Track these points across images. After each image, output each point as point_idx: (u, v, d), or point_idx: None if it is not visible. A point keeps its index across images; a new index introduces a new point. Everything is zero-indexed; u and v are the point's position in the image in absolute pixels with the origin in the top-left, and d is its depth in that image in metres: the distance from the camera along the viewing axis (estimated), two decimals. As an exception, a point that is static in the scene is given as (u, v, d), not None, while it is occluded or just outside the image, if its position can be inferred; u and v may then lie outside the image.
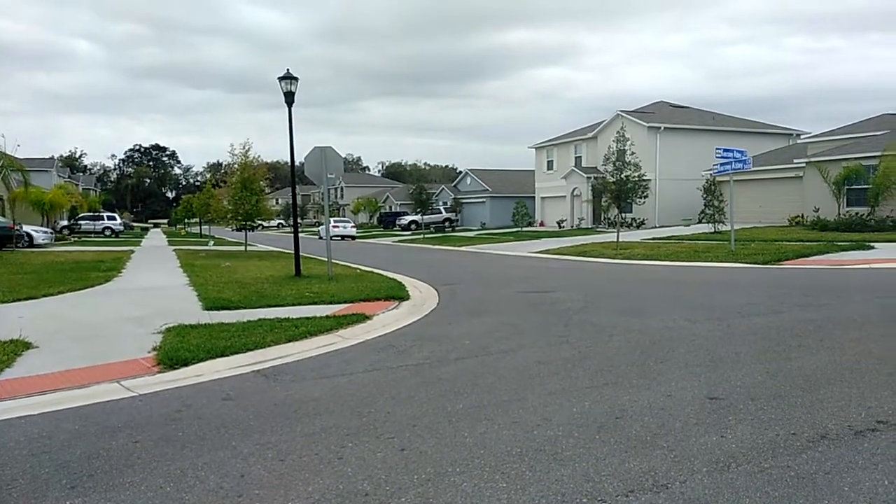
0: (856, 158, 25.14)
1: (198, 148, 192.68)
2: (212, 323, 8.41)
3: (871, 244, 18.32)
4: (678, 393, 5.11)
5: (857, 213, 24.28)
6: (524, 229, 39.26)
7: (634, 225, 35.71)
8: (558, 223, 43.34)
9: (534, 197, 48.16)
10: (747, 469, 3.62)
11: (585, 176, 39.96)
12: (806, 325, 7.73)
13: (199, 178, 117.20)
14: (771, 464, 3.68)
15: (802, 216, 27.47)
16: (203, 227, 51.38)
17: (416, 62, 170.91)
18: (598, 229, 36.24)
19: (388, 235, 48.07)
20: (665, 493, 3.34)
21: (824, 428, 4.21)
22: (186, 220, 58.72)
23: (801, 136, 36.77)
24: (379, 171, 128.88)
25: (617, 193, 23.55)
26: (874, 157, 24.03)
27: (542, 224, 46.01)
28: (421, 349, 7.17)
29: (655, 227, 34.38)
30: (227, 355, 6.78)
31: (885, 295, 10.29)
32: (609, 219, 26.20)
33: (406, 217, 54.58)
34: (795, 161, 28.80)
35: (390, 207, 68.70)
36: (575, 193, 42.35)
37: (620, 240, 23.10)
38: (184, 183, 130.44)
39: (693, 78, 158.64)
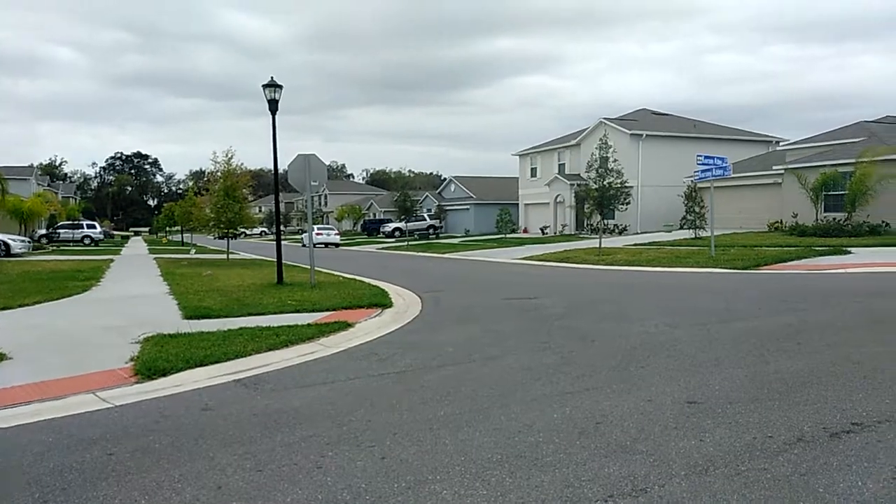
0: (833, 165, 25.55)
1: (181, 156, 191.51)
2: (192, 332, 8.33)
3: (848, 249, 18.60)
4: (658, 397, 5.13)
5: (834, 219, 24.65)
6: (508, 236, 39.38)
7: (617, 231, 35.97)
8: (542, 230, 43.54)
9: (517, 204, 48.39)
10: (725, 472, 3.64)
11: (569, 183, 40.21)
12: (784, 330, 7.82)
13: (181, 186, 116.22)
14: (748, 466, 3.71)
15: (781, 222, 27.84)
16: (185, 235, 50.93)
17: (402, 69, 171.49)
18: (581, 235, 36.44)
19: (372, 243, 47.98)
20: (644, 497, 3.36)
21: (800, 430, 4.26)
22: (168, 229, 58.18)
23: (781, 144, 37.35)
24: (363, 178, 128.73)
25: (599, 200, 23.71)
26: (850, 163, 24.44)
27: (525, 231, 46.19)
28: (403, 357, 7.15)
29: (637, 233, 34.66)
30: (207, 365, 6.71)
31: (861, 299, 10.44)
32: (592, 225, 26.37)
33: (390, 224, 54.53)
34: (774, 168, 29.22)
35: (374, 215, 68.61)
36: (558, 200, 42.59)
37: (603, 246, 23.24)
38: (166, 191, 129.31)
39: (677, 85, 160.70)
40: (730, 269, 15.99)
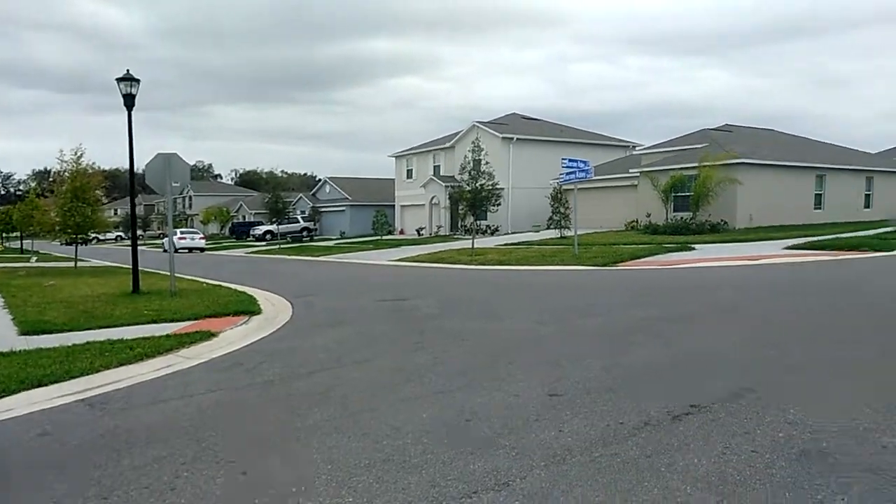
0: (680, 169, 27.97)
1: (20, 153, 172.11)
2: (29, 349, 7.51)
3: (693, 246, 20.45)
4: (524, 392, 5.32)
5: (681, 218, 26.99)
6: (384, 238, 39.37)
7: (489, 232, 37.10)
8: (417, 231, 43.95)
9: (394, 205, 48.48)
10: (581, 459, 3.84)
11: (444, 184, 40.90)
12: (639, 323, 8.42)
13: (21, 188, 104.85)
14: (601, 452, 3.94)
15: (637, 221, 30.06)
16: (25, 241, 46.00)
17: (273, 68, 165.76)
18: (456, 236, 37.20)
19: (241, 246, 45.98)
20: (506, 491, 3.45)
21: (648, 415, 4.58)
22: (4, 235, 52.27)
23: (637, 148, 40.27)
24: (232, 178, 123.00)
25: (472, 202, 24.33)
26: (694, 167, 26.88)
27: (402, 232, 46.39)
28: (271, 365, 6.89)
29: (508, 234, 35.95)
30: (47, 385, 6.07)
31: (706, 292, 11.49)
32: (466, 226, 27.00)
33: (261, 227, 52.57)
34: (631, 171, 31.48)
35: (244, 217, 65.81)
36: (434, 202, 43.19)
37: (476, 246, 23.87)
38: (2, 192, 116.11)
39: (546, 91, 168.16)
40: (592, 266, 16.99)
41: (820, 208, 30.03)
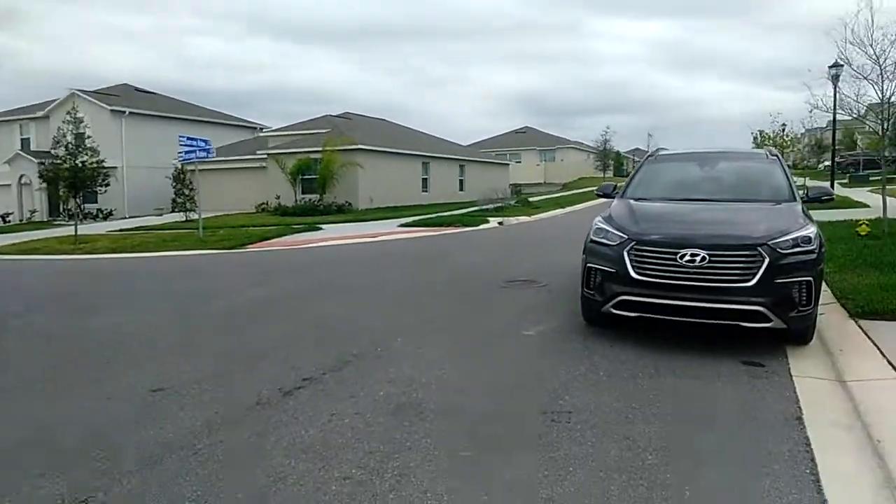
0: (306, 152, 28.75)
1: None
2: None
3: (320, 226, 21.28)
4: (121, 392, 4.70)
5: (310, 200, 27.86)
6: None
7: (101, 216, 32.60)
8: (3, 217, 36.04)
9: (-35, 186, 38.73)
10: (181, 455, 3.54)
11: (36, 161, 34.14)
12: (260, 303, 8.29)
13: None
14: (206, 443, 3.70)
15: (267, 203, 29.96)
16: None
17: None
18: (57, 222, 31.63)
19: None
20: (85, 510, 2.95)
21: (259, 395, 4.49)
22: None
23: (264, 130, 39.98)
24: None
25: (72, 181, 20.90)
26: (319, 151, 27.94)
27: (-20, 219, 37.41)
28: None
29: (126, 218, 32.11)
30: None
31: (326, 267, 11.99)
32: (69, 210, 23.09)
33: None
34: (258, 153, 31.14)
35: None
36: (23, 182, 35.83)
37: (84, 233, 20.64)
38: None
39: (162, 65, 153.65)
40: (218, 249, 16.26)
41: (427, 191, 34.40)
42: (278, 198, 28.82)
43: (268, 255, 15.16)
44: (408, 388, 4.57)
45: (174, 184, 27.00)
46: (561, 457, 3.43)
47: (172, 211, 28.19)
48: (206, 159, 19.57)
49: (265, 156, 30.48)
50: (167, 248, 16.96)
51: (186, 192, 26.44)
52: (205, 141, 18.86)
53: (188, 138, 18.68)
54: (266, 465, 3.38)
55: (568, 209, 27.92)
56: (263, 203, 30.24)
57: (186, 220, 25.60)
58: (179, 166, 26.38)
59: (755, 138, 43.83)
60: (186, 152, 18.62)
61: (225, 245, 16.62)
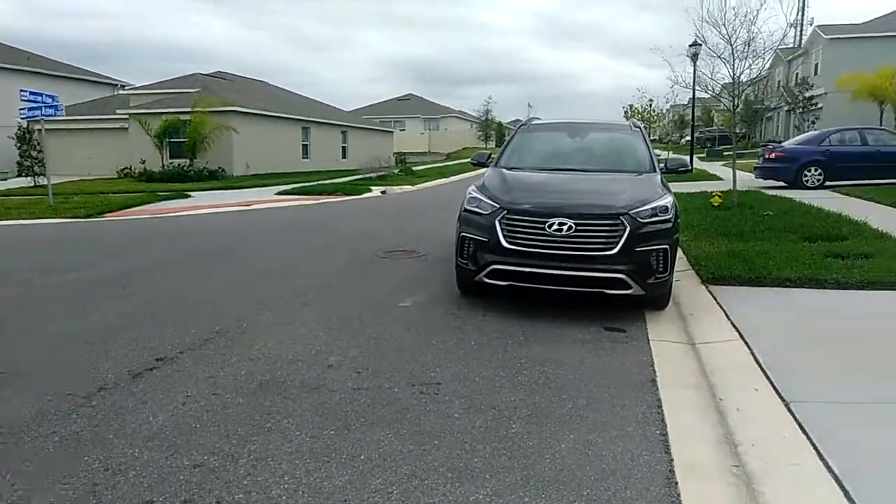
0: (173, 113, 26.72)
1: None
2: None
3: (189, 193, 19.96)
4: (-65, 382, 4.10)
5: (179, 165, 26.03)
6: None
7: (-70, 180, 28.68)
8: None
9: None
10: (2, 450, 3.12)
11: None
12: (115, 276, 7.60)
13: None
14: (34, 435, 3.30)
15: (131, 168, 27.68)
16: None
17: None
18: None
19: None
20: None
21: (104, 379, 4.09)
22: None
23: (126, 88, 36.74)
24: None
25: None
26: (188, 112, 26.07)
27: None
28: None
29: (-39, 182, 28.50)
30: None
31: (195, 238, 11.25)
32: None
33: None
34: (119, 112, 28.60)
35: None
36: None
37: None
38: None
39: (2, 9, 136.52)
40: (72, 218, 14.81)
41: (307, 158, 33.27)
42: (143, 162, 26.72)
43: (129, 225, 14.02)
44: (272, 366, 4.34)
45: (19, 144, 24.21)
46: (427, 430, 3.39)
47: (18, 175, 25.33)
48: (54, 117, 17.60)
49: (126, 116, 28.07)
50: (10, 216, 15.22)
51: (34, 154, 23.79)
52: (52, 97, 16.90)
53: (31, 93, 16.68)
54: (104, 457, 3.06)
55: (451, 178, 28.12)
56: (126, 168, 27.93)
57: (35, 186, 23.11)
58: (25, 125, 23.63)
59: (626, 112, 46.35)
60: (30, 109, 16.63)
61: (80, 214, 15.17)
